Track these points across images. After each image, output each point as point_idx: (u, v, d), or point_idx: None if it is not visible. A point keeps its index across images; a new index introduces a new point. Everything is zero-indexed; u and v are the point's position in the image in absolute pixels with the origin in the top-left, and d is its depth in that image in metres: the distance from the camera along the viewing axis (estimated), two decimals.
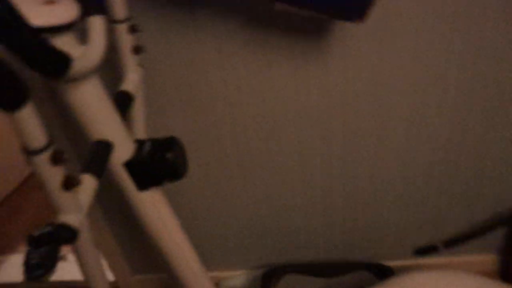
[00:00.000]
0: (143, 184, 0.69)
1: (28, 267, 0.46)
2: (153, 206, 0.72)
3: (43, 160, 0.48)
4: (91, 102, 0.60)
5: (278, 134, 1.02)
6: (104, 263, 1.32)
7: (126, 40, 0.74)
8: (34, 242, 0.47)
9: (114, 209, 1.20)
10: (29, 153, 0.47)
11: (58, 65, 0.50)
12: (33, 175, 0.68)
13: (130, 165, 0.67)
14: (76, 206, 0.53)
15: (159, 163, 0.68)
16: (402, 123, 1.00)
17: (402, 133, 1.02)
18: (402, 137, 1.02)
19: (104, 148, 0.63)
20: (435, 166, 1.07)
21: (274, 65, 0.92)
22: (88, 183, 0.56)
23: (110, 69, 0.76)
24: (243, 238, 1.24)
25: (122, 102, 0.72)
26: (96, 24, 0.59)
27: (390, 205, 1.15)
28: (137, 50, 0.77)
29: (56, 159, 0.48)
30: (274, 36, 0.89)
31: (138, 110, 0.78)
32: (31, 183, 2.08)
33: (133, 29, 0.74)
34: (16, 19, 0.41)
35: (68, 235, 0.51)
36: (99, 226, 1.22)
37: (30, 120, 0.44)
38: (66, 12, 0.53)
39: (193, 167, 1.09)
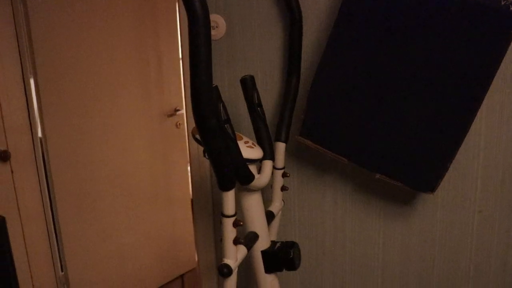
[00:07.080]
0: (269, 268, 1.04)
1: None
2: (271, 286, 1.05)
3: (229, 222, 0.89)
4: (253, 206, 1.03)
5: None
6: None
7: (279, 181, 1.19)
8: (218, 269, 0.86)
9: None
10: (223, 215, 0.89)
11: (248, 178, 0.94)
12: None
13: (264, 253, 1.04)
14: (235, 256, 0.91)
15: (284, 256, 1.04)
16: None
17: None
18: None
19: (254, 237, 1.03)
20: None
21: (368, 219, 1.27)
22: (242, 249, 0.95)
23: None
24: None
25: (268, 216, 1.13)
26: (267, 165, 1.05)
27: None
28: (283, 188, 1.20)
29: (235, 224, 0.89)
30: (373, 197, 1.26)
31: (275, 223, 1.18)
32: None
33: (284, 175, 1.19)
34: (239, 153, 0.88)
35: (228, 270, 0.88)
36: None
37: (231, 196, 0.87)
38: (257, 153, 1.00)
39: None
